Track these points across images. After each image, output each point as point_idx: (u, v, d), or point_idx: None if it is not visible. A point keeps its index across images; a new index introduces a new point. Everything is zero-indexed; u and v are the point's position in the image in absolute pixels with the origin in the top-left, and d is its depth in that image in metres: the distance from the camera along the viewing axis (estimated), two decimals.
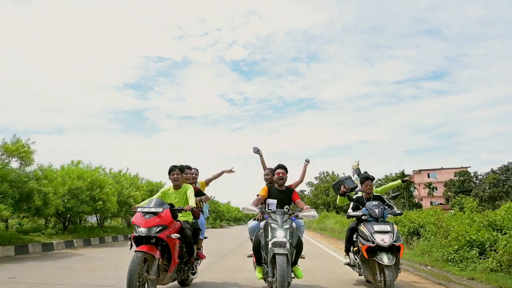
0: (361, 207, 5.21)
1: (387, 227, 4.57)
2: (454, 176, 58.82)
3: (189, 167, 5.65)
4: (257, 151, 6.06)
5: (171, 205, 4.40)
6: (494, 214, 7.71)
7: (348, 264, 5.53)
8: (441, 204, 57.13)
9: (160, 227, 3.99)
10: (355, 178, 6.76)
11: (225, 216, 42.52)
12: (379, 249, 4.42)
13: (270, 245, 3.99)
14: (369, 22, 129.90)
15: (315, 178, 64.82)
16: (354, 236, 5.28)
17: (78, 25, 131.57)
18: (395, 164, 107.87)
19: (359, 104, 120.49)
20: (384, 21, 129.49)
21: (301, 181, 5.94)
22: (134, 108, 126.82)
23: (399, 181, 6.88)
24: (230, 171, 6.30)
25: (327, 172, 61.34)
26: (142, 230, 3.93)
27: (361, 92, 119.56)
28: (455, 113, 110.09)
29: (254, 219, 5.16)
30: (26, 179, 9.22)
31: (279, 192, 4.79)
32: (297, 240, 4.28)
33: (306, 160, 6.00)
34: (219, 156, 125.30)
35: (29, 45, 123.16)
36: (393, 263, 4.31)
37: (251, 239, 4.86)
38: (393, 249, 4.42)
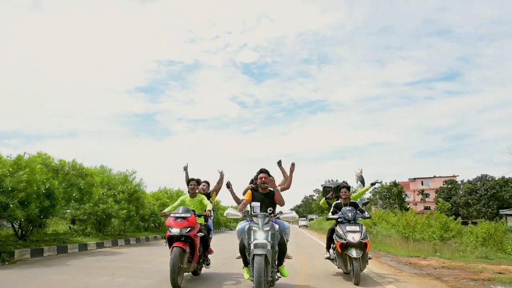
0: (338, 211, 6.20)
1: (356, 228, 5.61)
2: (443, 184, 63.08)
3: (206, 181, 6.53)
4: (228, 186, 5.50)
5: (193, 211, 5.37)
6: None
7: (328, 258, 6.58)
8: (428, 208, 66.14)
9: (189, 228, 5.03)
10: (358, 185, 7.55)
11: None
12: (349, 245, 5.48)
13: (251, 247, 4.16)
14: (379, 23, 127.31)
15: (321, 185, 75.44)
16: (334, 235, 6.25)
17: (89, 29, 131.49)
18: (406, 166, 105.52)
19: (370, 106, 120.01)
20: (394, 22, 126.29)
21: (287, 187, 5.57)
22: (145, 112, 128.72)
23: (369, 185, 7.29)
24: (221, 173, 6.50)
25: (332, 180, 71.45)
26: (175, 231, 4.97)
27: (372, 93, 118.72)
28: (468, 114, 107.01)
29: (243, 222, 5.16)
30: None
31: (262, 195, 4.91)
32: (279, 241, 4.44)
33: (292, 164, 5.58)
34: (229, 158, 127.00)
35: (40, 50, 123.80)
36: (360, 256, 5.41)
37: None
38: (361, 245, 5.47)
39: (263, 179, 4.88)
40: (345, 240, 5.52)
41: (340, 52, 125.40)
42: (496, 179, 53.47)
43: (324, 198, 7.17)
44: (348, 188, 6.48)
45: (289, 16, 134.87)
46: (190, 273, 5.92)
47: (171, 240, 5.03)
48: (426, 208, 65.39)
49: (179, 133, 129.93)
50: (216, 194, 6.78)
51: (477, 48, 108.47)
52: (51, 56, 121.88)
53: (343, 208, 6.11)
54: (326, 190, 7.17)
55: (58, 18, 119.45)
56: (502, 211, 45.61)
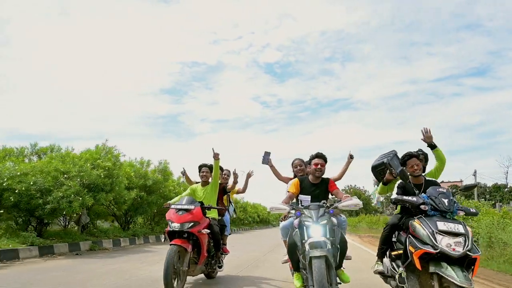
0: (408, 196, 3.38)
1: (459, 227, 2.90)
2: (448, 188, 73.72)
3: (220, 168, 5.33)
4: (267, 161, 4.79)
5: (201, 203, 4.52)
6: None
7: (381, 273, 3.78)
8: None
9: (192, 223, 4.21)
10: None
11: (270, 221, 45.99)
12: (443, 258, 2.82)
13: (306, 247, 3.12)
14: (405, 19, 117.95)
15: (342, 190, 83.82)
16: (394, 236, 3.66)
17: (114, 33, 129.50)
18: (433, 164, 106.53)
19: (395, 104, 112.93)
20: (421, 17, 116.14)
21: (339, 178, 4.73)
22: (170, 113, 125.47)
23: (438, 149, 4.10)
24: (249, 174, 5.76)
25: (351, 185, 75.55)
26: (175, 225, 4.19)
27: (398, 91, 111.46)
28: (499, 111, 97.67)
29: (282, 219, 4.37)
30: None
31: (313, 185, 3.81)
32: (340, 239, 3.36)
33: (350, 156, 4.69)
34: (253, 159, 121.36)
35: (68, 55, 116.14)
36: (471, 285, 2.66)
37: (285, 242, 3.90)
38: (464, 261, 2.82)
39: (319, 166, 3.81)
40: (434, 248, 2.83)
41: (364, 49, 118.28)
42: (488, 185, 60.32)
43: (381, 183, 4.38)
44: (426, 156, 4.03)
45: (313, 15, 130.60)
46: (204, 275, 5.14)
47: (172, 236, 4.22)
48: None
49: (203, 133, 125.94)
50: (237, 193, 6.12)
51: (509, 41, 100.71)
52: (78, 61, 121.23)
53: (430, 188, 3.31)
54: (377, 171, 4.45)
55: (84, 24, 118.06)
56: None
